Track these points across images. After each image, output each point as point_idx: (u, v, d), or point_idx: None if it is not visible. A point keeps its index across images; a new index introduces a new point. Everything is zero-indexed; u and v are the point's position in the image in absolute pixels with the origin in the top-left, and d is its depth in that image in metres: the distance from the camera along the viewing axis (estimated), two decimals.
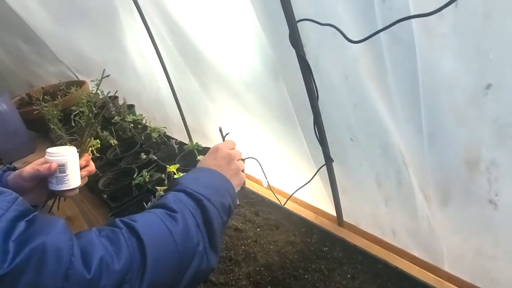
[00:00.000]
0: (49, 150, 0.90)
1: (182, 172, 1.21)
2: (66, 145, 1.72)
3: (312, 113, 0.93)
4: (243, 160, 1.34)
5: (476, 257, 0.83)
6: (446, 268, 0.98)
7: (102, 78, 1.22)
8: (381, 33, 0.61)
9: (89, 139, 1.01)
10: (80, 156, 0.99)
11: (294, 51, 0.84)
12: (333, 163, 1.03)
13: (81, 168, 0.95)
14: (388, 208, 1.01)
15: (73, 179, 0.89)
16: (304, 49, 0.82)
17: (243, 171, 0.79)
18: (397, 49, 0.62)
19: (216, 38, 1.12)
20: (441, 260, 0.98)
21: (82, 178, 0.95)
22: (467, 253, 0.86)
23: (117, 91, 1.51)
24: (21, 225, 0.47)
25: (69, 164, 0.88)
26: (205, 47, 1.22)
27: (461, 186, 0.74)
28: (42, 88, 2.33)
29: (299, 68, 0.86)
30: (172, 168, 1.20)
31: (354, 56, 0.72)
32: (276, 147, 1.25)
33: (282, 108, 1.05)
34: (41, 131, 2.16)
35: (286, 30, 0.81)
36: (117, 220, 0.59)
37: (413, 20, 0.56)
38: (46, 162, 0.88)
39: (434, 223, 0.90)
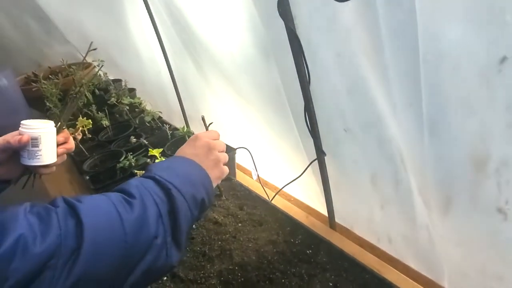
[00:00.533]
0: (23, 121, 0.85)
1: (166, 157, 1.14)
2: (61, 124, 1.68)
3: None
4: (233, 150, 1.25)
5: (480, 276, 0.71)
6: (446, 285, 0.86)
7: (88, 50, 1.16)
8: None
9: (70, 114, 0.95)
10: (58, 132, 0.93)
11: (284, 26, 0.74)
12: (325, 158, 0.92)
13: (58, 145, 0.90)
14: (384, 212, 0.90)
15: (47, 155, 0.82)
16: (295, 22, 0.72)
17: (225, 164, 0.72)
18: (395, 14, 0.52)
19: (208, 14, 1.03)
20: (441, 276, 0.86)
21: (59, 155, 0.89)
22: (470, 270, 0.74)
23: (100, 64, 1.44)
24: None
25: (43, 138, 0.80)
26: (199, 26, 1.13)
27: (465, 191, 0.62)
28: (49, 67, 2.31)
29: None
30: (154, 152, 1.13)
31: (347, 27, 0.61)
32: (269, 137, 1.15)
33: (274, 93, 0.95)
34: (42, 110, 2.13)
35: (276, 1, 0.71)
36: (59, 198, 0.51)
37: None
38: (20, 134, 0.83)
39: (434, 233, 0.78)
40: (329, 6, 0.61)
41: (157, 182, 0.57)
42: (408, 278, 0.88)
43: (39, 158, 0.79)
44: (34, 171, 0.87)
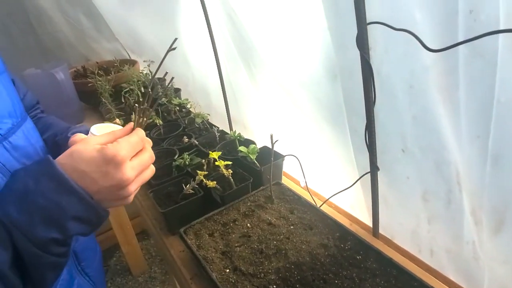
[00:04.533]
0: (93, 129, 0.82)
1: (223, 160, 1.23)
2: (114, 119, 1.80)
3: (365, 118, 0.91)
4: (282, 156, 1.33)
5: None
6: None
7: (169, 49, 1.20)
8: (460, 45, 0.59)
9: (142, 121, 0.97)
10: None
11: (357, 53, 0.82)
12: (378, 173, 1.01)
13: None
14: (430, 226, 0.98)
15: None
16: (369, 52, 0.81)
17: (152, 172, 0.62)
18: (476, 63, 0.60)
19: (274, 32, 1.12)
20: None
21: None
22: None
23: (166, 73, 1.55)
24: None
25: None
26: (261, 39, 1.22)
27: None
28: (97, 63, 2.45)
29: (360, 72, 0.85)
30: (214, 155, 1.23)
31: (425, 66, 0.70)
32: (320, 148, 1.24)
33: (334, 110, 1.04)
34: (91, 103, 2.27)
35: (353, 32, 0.80)
36: None
37: (500, 35, 0.53)
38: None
39: (480, 249, 0.86)
40: (409, 45, 0.69)
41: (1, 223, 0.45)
42: None
43: None
44: None
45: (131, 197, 0.56)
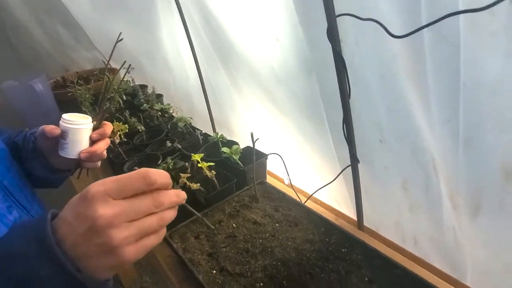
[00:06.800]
0: (64, 115, 0.87)
1: (206, 161, 1.23)
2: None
3: (342, 111, 0.92)
4: (265, 155, 1.33)
5: (505, 274, 0.79)
6: (469, 283, 0.94)
7: (116, 42, 1.12)
8: (425, 30, 0.60)
9: (102, 114, 0.93)
10: (95, 129, 0.90)
11: (330, 47, 0.83)
12: (358, 165, 1.01)
13: (95, 142, 0.88)
14: (412, 215, 0.99)
15: (72, 149, 0.84)
16: (341, 45, 0.82)
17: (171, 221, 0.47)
18: (441, 47, 0.61)
19: (251, 32, 1.13)
20: (464, 275, 0.95)
21: (93, 153, 0.86)
22: (495, 268, 0.83)
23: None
24: None
25: (70, 133, 0.83)
26: (238, 40, 1.23)
27: (494, 197, 0.71)
28: (77, 72, 2.42)
29: (334, 65, 0.86)
30: (196, 157, 1.22)
31: (393, 54, 0.71)
32: (302, 145, 1.24)
33: (312, 104, 1.04)
34: (72, 112, 2.24)
35: (324, 25, 0.81)
36: None
37: (460, 16, 0.54)
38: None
39: (460, 235, 0.87)
40: (377, 34, 0.70)
41: None
42: (433, 275, 0.97)
43: (65, 150, 0.84)
44: (81, 165, 0.91)
45: (123, 252, 0.41)
